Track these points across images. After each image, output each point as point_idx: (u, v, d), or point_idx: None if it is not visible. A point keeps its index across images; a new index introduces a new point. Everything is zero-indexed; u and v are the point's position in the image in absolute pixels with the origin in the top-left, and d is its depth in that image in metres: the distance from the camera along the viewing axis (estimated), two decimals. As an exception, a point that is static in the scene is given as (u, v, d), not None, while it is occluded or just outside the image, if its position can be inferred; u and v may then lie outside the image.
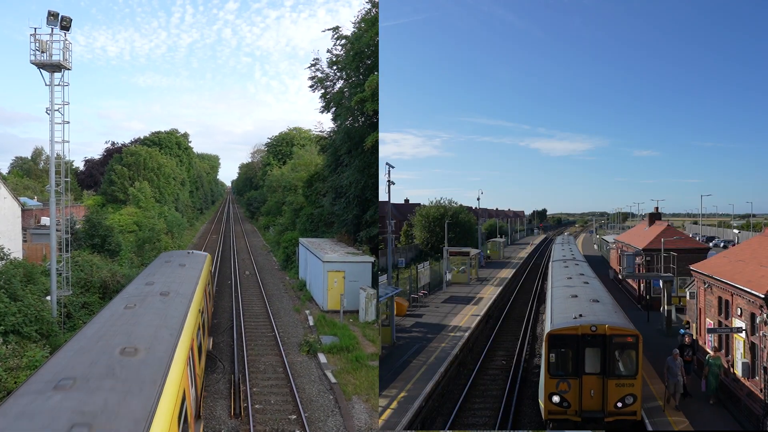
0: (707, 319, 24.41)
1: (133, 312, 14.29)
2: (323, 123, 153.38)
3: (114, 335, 11.83)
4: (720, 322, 22.74)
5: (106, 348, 10.88)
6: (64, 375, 9.27)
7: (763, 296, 18.22)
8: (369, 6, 41.27)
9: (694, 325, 26.94)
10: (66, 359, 10.30)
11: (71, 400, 8.30)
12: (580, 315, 18.18)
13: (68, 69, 25.47)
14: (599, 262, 63.83)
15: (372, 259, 35.05)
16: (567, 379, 17.06)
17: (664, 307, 31.79)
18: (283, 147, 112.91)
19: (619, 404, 16.83)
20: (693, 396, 20.16)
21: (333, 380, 21.66)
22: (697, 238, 69.71)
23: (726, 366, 21.04)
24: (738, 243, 59.29)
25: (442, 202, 71.97)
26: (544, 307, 33.04)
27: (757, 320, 18.87)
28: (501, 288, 44.03)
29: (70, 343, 11.77)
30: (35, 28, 24.72)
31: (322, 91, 47.25)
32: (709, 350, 23.14)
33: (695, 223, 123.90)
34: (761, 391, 18.32)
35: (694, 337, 26.35)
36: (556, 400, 17.02)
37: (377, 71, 37.86)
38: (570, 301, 21.05)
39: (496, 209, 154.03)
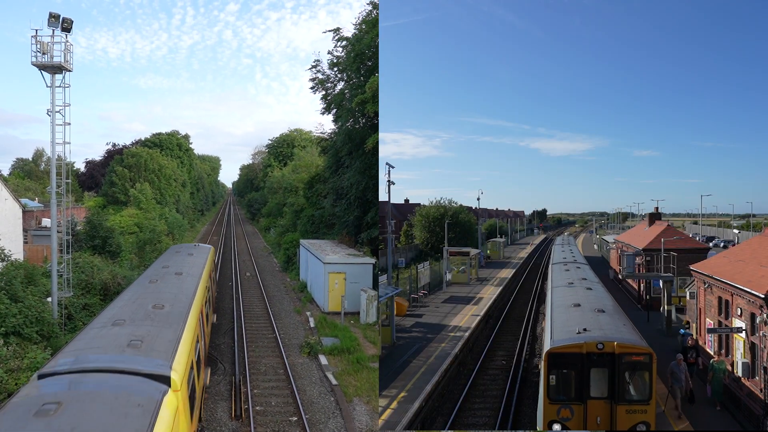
0: (707, 319, 24.45)
1: (156, 285, 18.80)
2: (324, 124, 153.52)
3: (145, 297, 16.50)
4: (720, 322, 22.77)
5: (141, 304, 15.50)
6: (117, 318, 13.77)
7: (763, 296, 18.26)
8: (370, 8, 41.35)
9: (694, 325, 26.97)
10: (115, 310, 14.94)
11: (125, 330, 12.77)
12: (585, 329, 16.21)
13: (69, 70, 25.52)
14: (599, 263, 63.84)
15: (373, 260, 35.09)
16: (569, 404, 15.17)
17: (664, 307, 31.82)
18: (283, 148, 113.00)
19: None
20: (697, 401, 19.74)
21: (334, 382, 21.68)
22: (697, 238, 69.72)
23: (730, 370, 20.72)
24: (738, 243, 59.31)
25: (442, 202, 72.08)
26: (543, 307, 32.60)
27: (757, 320, 18.90)
28: (501, 288, 44.06)
29: (114, 302, 16.52)
30: (36, 30, 24.77)
31: (323, 92, 47.33)
32: (710, 351, 23.14)
33: (695, 223, 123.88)
34: (761, 391, 18.34)
35: (695, 337, 26.38)
36: (557, 428, 15.07)
37: (378, 72, 37.91)
38: (572, 311, 19.10)
39: (496, 209, 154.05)
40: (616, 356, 15.04)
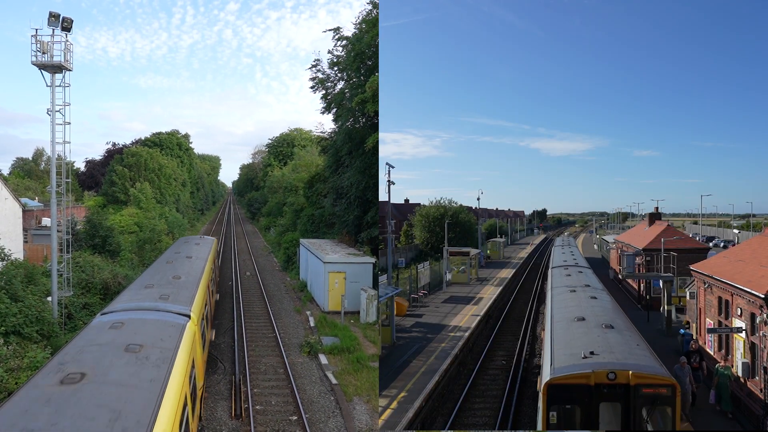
0: (707, 319, 24.46)
1: (172, 264, 23.72)
2: (324, 124, 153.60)
3: (165, 272, 21.32)
4: (720, 322, 22.78)
5: (163, 276, 20.39)
6: (146, 284, 18.44)
7: (763, 296, 18.26)
8: (370, 7, 41.36)
9: (694, 325, 26.98)
10: (145, 279, 19.75)
11: (155, 291, 17.40)
12: (591, 352, 13.39)
13: (69, 70, 25.51)
14: (600, 264, 63.84)
15: (373, 260, 35.08)
16: None
17: (664, 307, 31.83)
18: (283, 148, 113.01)
19: None
20: (702, 407, 19.24)
21: (334, 381, 21.68)
22: (697, 238, 69.73)
23: (736, 375, 20.17)
24: (738, 243, 59.32)
25: (442, 202, 72.08)
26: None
27: (757, 320, 18.91)
28: (501, 288, 44.06)
29: (141, 275, 21.46)
30: (36, 29, 24.77)
31: (323, 92, 47.30)
32: (714, 355, 23.13)
33: (695, 223, 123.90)
34: (761, 391, 18.35)
35: (695, 337, 26.38)
36: None
37: (378, 72, 37.92)
38: (575, 327, 16.37)
39: (496, 209, 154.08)
40: (631, 388, 12.31)
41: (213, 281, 28.32)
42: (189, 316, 14.96)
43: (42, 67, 25.00)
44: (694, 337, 26.37)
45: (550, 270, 33.04)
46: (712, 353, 23.73)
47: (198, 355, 15.47)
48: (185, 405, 11.01)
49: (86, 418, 8.08)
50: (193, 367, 13.30)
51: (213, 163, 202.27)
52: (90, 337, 12.06)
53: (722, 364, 19.61)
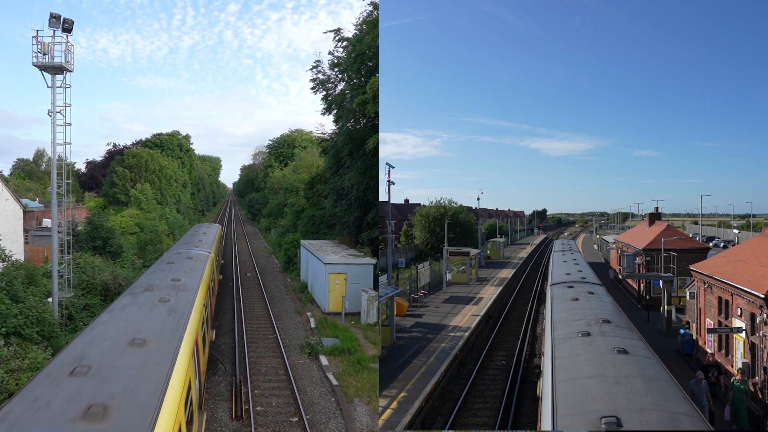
0: (707, 319, 24.48)
1: (192, 237, 34.88)
2: (325, 125, 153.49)
3: (190, 238, 34.37)
4: (720, 322, 22.80)
5: (189, 240, 31.41)
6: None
7: (763, 296, 18.29)
8: (370, 8, 41.39)
9: (694, 325, 27.00)
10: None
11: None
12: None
13: (70, 71, 25.54)
14: (602, 267, 63.83)
15: (374, 261, 35.10)
16: None
17: (664, 307, 31.86)
18: (284, 149, 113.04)
19: None
20: (717, 425, 17.91)
21: (334, 382, 21.71)
22: (697, 238, 69.73)
23: (753, 390, 18.98)
24: (738, 243, 59.33)
25: (442, 202, 72.11)
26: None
27: (757, 320, 18.93)
28: (501, 288, 44.09)
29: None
30: (37, 30, 24.78)
31: (324, 93, 47.34)
32: (715, 355, 23.13)
33: (695, 223, 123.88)
34: (761, 391, 18.38)
35: (695, 338, 26.40)
36: None
37: (378, 72, 37.96)
38: (592, 386, 10.22)
39: (496, 209, 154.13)
40: None
41: (218, 257, 38.24)
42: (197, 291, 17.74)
43: (43, 68, 25.04)
44: (694, 337, 26.39)
45: (548, 288, 23.91)
46: (737, 376, 23.71)
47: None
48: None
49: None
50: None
51: (213, 164, 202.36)
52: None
53: (738, 377, 17.81)
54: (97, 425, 7.30)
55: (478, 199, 79.26)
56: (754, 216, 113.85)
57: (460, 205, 73.19)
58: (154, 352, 10.42)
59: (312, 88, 47.84)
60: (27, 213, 44.73)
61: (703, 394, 17.02)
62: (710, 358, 20.79)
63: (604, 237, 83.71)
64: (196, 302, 16.06)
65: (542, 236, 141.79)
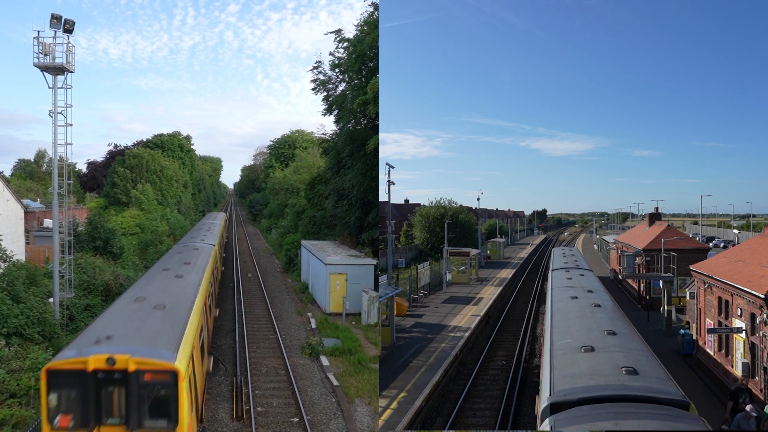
0: (707, 319, 24.50)
1: (198, 228, 47.48)
2: (325, 125, 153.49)
3: (201, 228, 47.96)
4: (720, 323, 22.82)
5: (201, 228, 46.23)
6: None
7: (763, 296, 18.31)
8: (371, 9, 41.43)
9: (694, 325, 27.02)
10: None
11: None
12: None
13: (71, 72, 25.59)
14: (602, 271, 63.73)
15: (374, 261, 35.13)
16: None
17: (664, 308, 31.89)
18: (285, 149, 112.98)
19: None
20: None
21: (335, 383, 21.74)
22: (697, 239, 69.73)
23: None
24: (738, 243, 59.31)
25: (442, 202, 72.16)
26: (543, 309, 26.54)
27: (757, 320, 18.96)
28: (501, 288, 44.12)
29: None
30: (38, 31, 24.84)
31: (325, 93, 47.33)
32: (714, 355, 23.13)
33: (695, 223, 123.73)
34: (761, 391, 18.40)
35: (695, 338, 26.42)
36: None
37: (379, 73, 38.00)
38: None
39: (496, 209, 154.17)
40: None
41: (223, 237, 50.35)
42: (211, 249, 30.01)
43: (44, 68, 25.09)
44: (694, 337, 26.39)
45: (547, 325, 18.39)
46: (712, 353, 23.78)
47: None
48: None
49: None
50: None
51: (214, 165, 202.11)
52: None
53: None
54: (161, 311, 15.22)
55: (478, 199, 79.27)
56: (754, 216, 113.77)
57: (460, 205, 73.25)
58: (188, 285, 19.75)
59: (313, 89, 47.87)
60: (28, 213, 44.75)
61: (751, 427, 15.34)
62: (742, 382, 18.16)
63: (604, 237, 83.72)
64: (204, 277, 22.56)
65: (542, 236, 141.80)
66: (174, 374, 11.63)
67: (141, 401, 11.45)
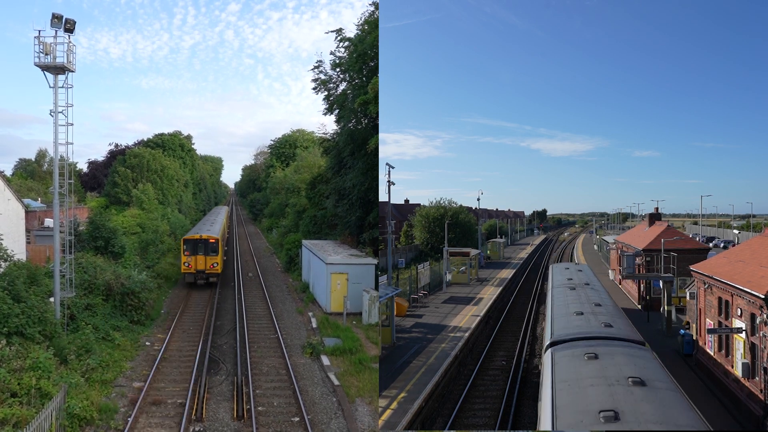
0: (707, 319, 24.52)
1: (215, 211, 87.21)
2: (326, 125, 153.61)
3: (210, 215, 77.88)
4: (720, 323, 22.84)
5: (210, 217, 70.94)
6: (208, 220, 65.71)
7: (763, 296, 18.32)
8: (372, 8, 41.45)
9: (694, 325, 27.05)
10: (204, 219, 68.50)
11: (211, 219, 63.85)
12: None
13: (72, 71, 25.58)
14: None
15: (375, 261, 35.16)
16: None
17: (664, 308, 31.90)
18: (286, 149, 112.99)
19: None
20: None
21: (336, 382, 21.77)
22: (697, 239, 69.70)
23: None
24: (738, 243, 59.31)
25: (442, 202, 72.19)
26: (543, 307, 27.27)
27: (757, 320, 18.98)
28: (501, 288, 44.15)
29: (202, 219, 70.52)
30: (39, 31, 24.82)
31: (326, 93, 47.37)
32: (714, 355, 23.14)
33: (695, 223, 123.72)
34: (761, 391, 18.43)
35: (695, 338, 26.43)
36: None
37: (379, 73, 38.00)
38: None
39: (496, 210, 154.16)
40: None
41: (229, 218, 65.05)
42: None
43: (45, 68, 25.08)
44: (694, 337, 26.42)
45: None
46: (712, 354, 23.80)
47: None
48: None
49: None
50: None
51: (215, 164, 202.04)
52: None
53: None
54: (217, 224, 54.40)
55: (478, 199, 79.13)
56: (754, 216, 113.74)
57: (460, 206, 73.28)
58: (218, 221, 56.97)
59: (314, 89, 47.91)
60: (29, 213, 44.80)
61: None
62: None
63: (604, 237, 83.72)
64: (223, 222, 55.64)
65: (542, 237, 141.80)
66: (216, 240, 41.37)
67: (208, 247, 40.62)
